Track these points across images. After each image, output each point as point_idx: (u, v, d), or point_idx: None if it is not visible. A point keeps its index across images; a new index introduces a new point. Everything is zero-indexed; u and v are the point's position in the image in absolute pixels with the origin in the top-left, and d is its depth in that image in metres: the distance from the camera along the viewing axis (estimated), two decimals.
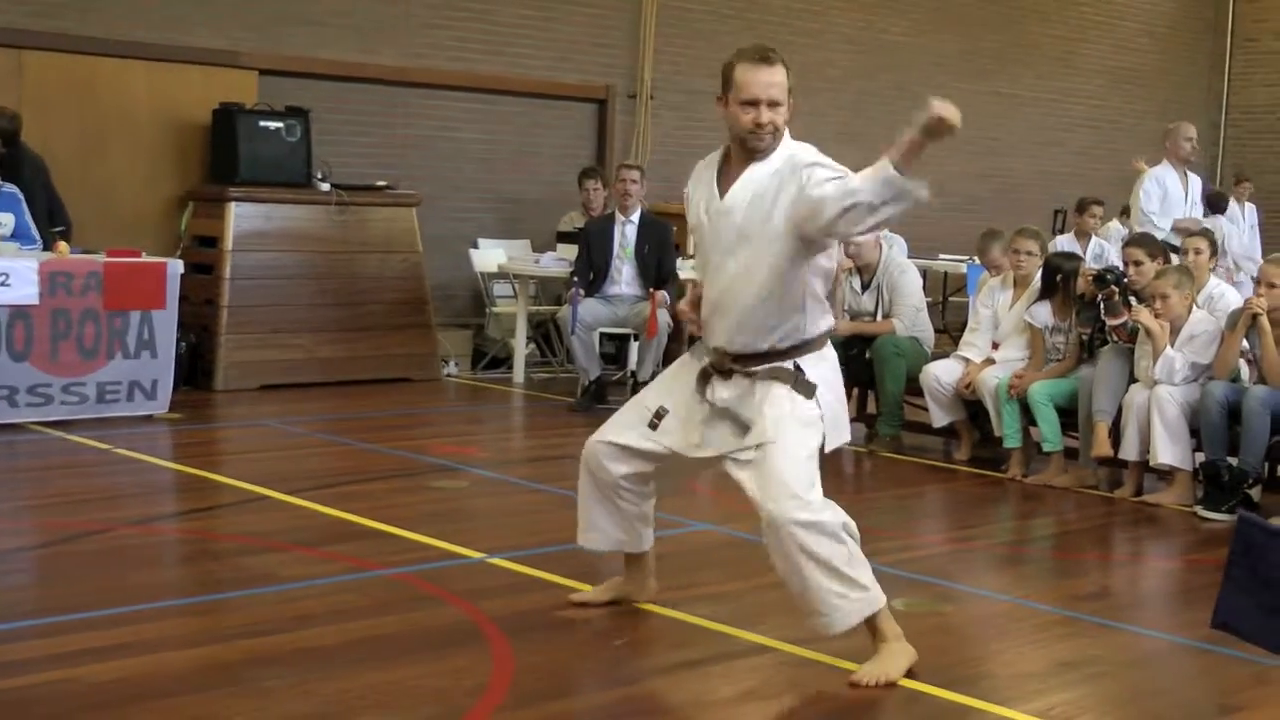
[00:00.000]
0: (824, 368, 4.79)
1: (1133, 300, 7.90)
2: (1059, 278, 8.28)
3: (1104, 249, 11.74)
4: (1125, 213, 12.49)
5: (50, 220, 9.41)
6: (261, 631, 4.92)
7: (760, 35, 14.18)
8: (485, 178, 12.66)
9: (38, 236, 9.06)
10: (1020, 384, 8.17)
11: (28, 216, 9.05)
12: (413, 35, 12.10)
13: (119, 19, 10.61)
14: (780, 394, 4.66)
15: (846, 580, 4.54)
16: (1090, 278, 8.10)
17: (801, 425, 4.64)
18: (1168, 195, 10.74)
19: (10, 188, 9.00)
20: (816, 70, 14.57)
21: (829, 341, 4.86)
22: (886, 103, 15.20)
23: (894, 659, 4.62)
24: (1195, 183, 11.09)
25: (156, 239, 10.48)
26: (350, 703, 4.30)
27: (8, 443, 8.08)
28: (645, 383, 9.94)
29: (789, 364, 4.71)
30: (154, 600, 5.25)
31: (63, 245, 8.85)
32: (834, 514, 4.56)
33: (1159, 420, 7.53)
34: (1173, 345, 7.64)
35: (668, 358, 10.66)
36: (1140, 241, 8.49)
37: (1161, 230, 10.20)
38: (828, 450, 4.71)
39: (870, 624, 4.64)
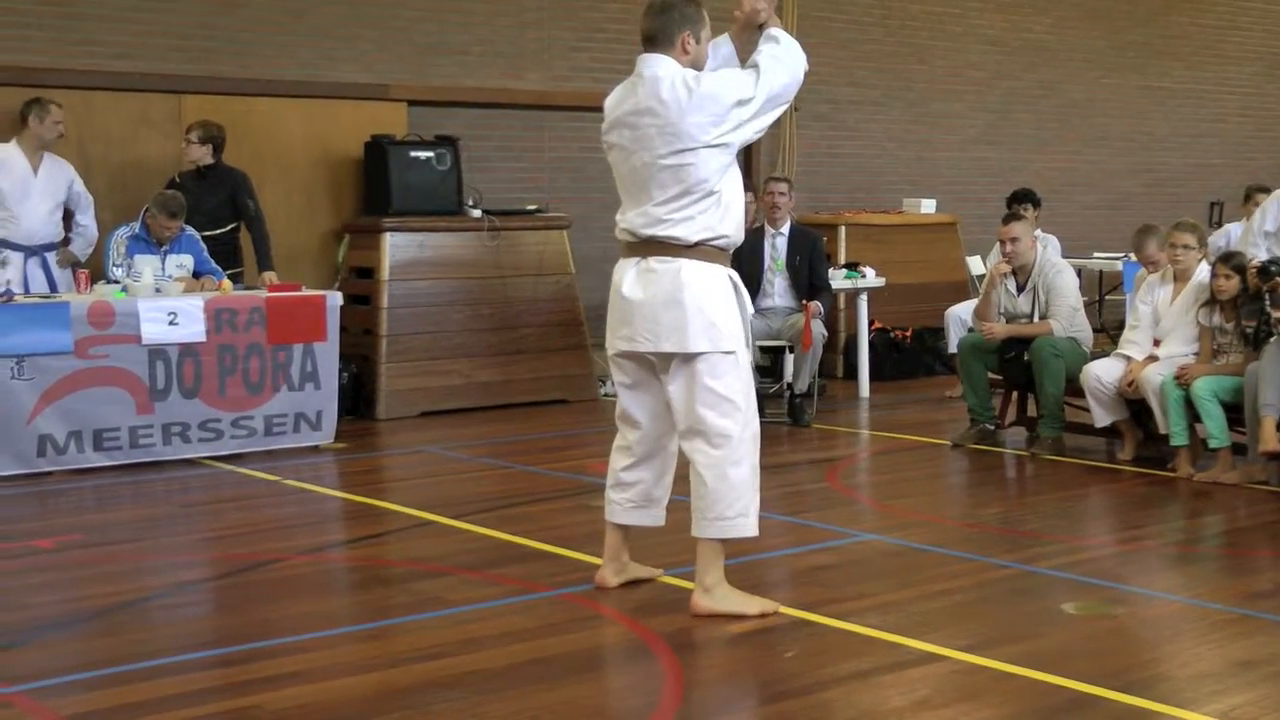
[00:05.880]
0: None
1: None
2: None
3: (1229, 238, 11.34)
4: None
5: (251, 227, 9.84)
6: (432, 655, 4.99)
7: (900, 41, 14.10)
8: None
9: (220, 269, 9.34)
10: (1187, 375, 8.02)
11: (206, 253, 9.34)
12: (555, 59, 12.22)
13: (271, 60, 10.88)
14: None
15: None
16: (1255, 270, 7.92)
17: None
18: None
19: (190, 231, 9.25)
20: (959, 74, 14.42)
21: None
22: (1032, 102, 15.01)
23: None
24: None
25: (315, 272, 10.72)
26: None
27: (182, 478, 8.31)
28: (803, 395, 9.97)
29: None
30: (327, 628, 5.36)
31: (226, 283, 9.10)
32: None
33: None
34: None
35: (824, 369, 10.63)
36: None
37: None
38: None
39: None
